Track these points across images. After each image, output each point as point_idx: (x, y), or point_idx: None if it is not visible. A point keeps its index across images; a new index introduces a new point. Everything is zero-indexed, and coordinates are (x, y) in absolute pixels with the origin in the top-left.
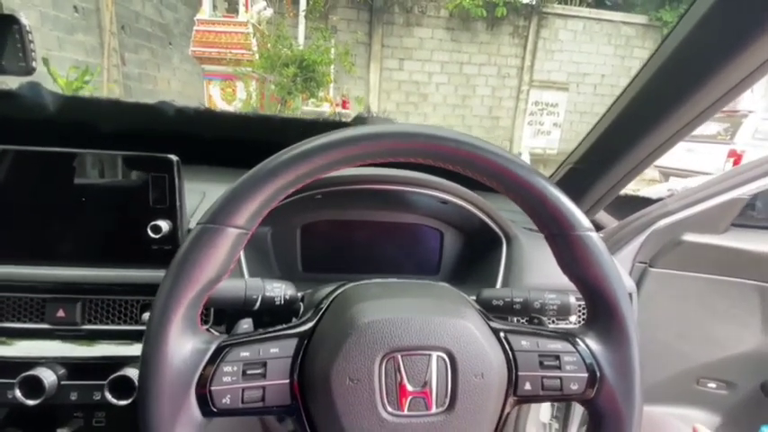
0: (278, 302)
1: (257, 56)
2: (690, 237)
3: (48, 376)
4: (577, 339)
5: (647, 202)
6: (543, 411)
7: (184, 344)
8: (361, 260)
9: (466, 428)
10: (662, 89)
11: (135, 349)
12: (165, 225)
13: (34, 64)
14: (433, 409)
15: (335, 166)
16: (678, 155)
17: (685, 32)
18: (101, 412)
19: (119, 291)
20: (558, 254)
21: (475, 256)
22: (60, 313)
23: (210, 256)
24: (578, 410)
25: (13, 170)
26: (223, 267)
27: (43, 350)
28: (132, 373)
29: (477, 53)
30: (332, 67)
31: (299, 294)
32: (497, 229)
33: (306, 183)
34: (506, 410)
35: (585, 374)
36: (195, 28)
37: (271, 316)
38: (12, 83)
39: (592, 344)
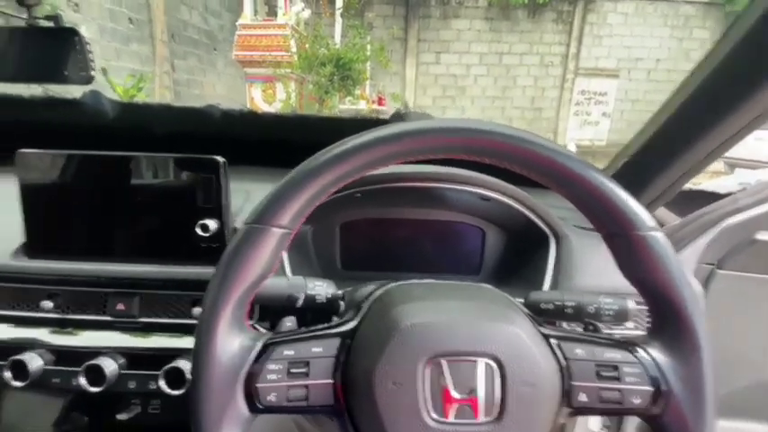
0: (319, 301)
1: (296, 57)
2: (765, 236)
3: (109, 365)
4: (639, 349)
5: (713, 197)
6: (593, 420)
7: (233, 340)
8: (400, 258)
9: None
10: (736, 70)
11: (186, 342)
12: (212, 224)
13: (93, 73)
14: (480, 418)
15: (378, 163)
16: (746, 143)
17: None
18: (156, 400)
19: (172, 286)
20: (618, 255)
21: (519, 256)
22: (120, 306)
23: (256, 255)
24: (633, 419)
25: (78, 174)
26: (268, 266)
27: (105, 341)
28: (184, 364)
29: (517, 42)
30: (368, 64)
31: (340, 293)
32: (545, 227)
33: (348, 181)
34: (559, 422)
35: (649, 388)
36: (237, 33)
37: (312, 314)
38: (75, 92)
39: (657, 354)
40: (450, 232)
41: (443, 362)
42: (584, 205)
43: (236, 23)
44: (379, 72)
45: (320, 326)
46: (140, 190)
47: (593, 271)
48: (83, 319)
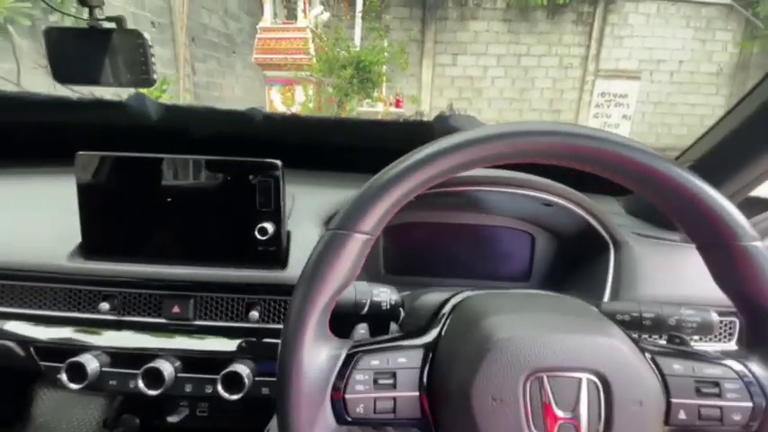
0: (384, 307)
1: (315, 60)
2: None
3: (167, 368)
4: (737, 363)
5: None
6: None
7: (319, 349)
8: (446, 263)
9: None
10: None
11: (242, 345)
12: (270, 227)
13: (155, 76)
14: None
15: (461, 168)
16: None
17: None
18: (204, 403)
19: (227, 289)
20: (715, 267)
21: (572, 263)
22: (175, 309)
23: (340, 261)
24: None
25: (135, 176)
26: (351, 273)
27: (160, 343)
28: (241, 368)
29: (536, 44)
30: (385, 66)
31: (401, 299)
32: (605, 234)
33: (430, 186)
34: None
35: (750, 404)
36: (258, 36)
37: (376, 320)
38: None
39: (757, 369)
40: (498, 237)
41: (545, 377)
42: (678, 213)
43: (257, 26)
44: (396, 74)
45: (398, 334)
46: (197, 193)
47: (659, 281)
48: (138, 321)
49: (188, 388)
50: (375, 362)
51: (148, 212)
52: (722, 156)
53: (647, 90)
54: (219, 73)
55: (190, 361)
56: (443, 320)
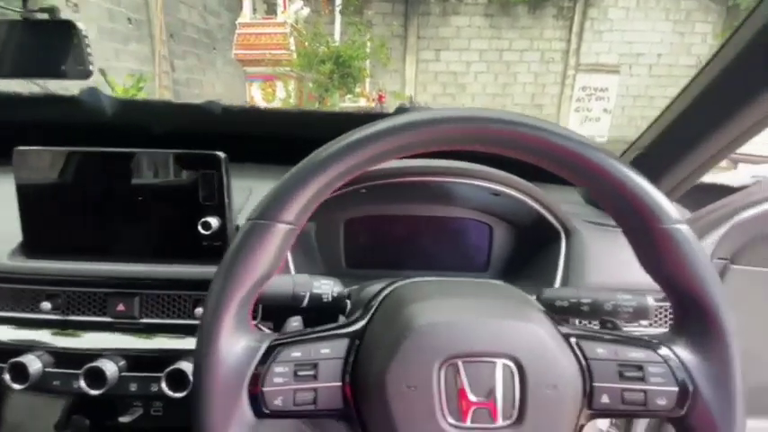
0: (326, 299)
1: (295, 55)
2: None
3: (110, 368)
4: (663, 347)
5: (725, 190)
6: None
7: (237, 342)
8: (406, 256)
9: None
10: (752, 62)
11: (188, 343)
12: (214, 222)
13: (92, 67)
14: (499, 422)
15: (386, 156)
16: (760, 140)
17: None
18: (158, 402)
19: (173, 286)
20: (640, 251)
21: (528, 252)
22: (120, 307)
23: (261, 252)
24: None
25: (76, 171)
26: (273, 264)
27: (105, 342)
28: (186, 366)
29: (517, 38)
30: (367, 61)
31: (346, 291)
32: (556, 223)
33: (356, 174)
34: (579, 425)
35: (675, 388)
36: (237, 31)
37: (318, 313)
38: (74, 89)
39: (682, 353)
40: (457, 229)
41: (460, 363)
42: (605, 198)
43: (236, 22)
44: (379, 70)
45: (327, 326)
46: (140, 187)
47: (606, 267)
48: (83, 320)
49: (133, 387)
50: (296, 353)
51: (90, 208)
52: (670, 142)
53: (627, 83)
54: (200, 70)
55: (136, 360)
56: (372, 309)
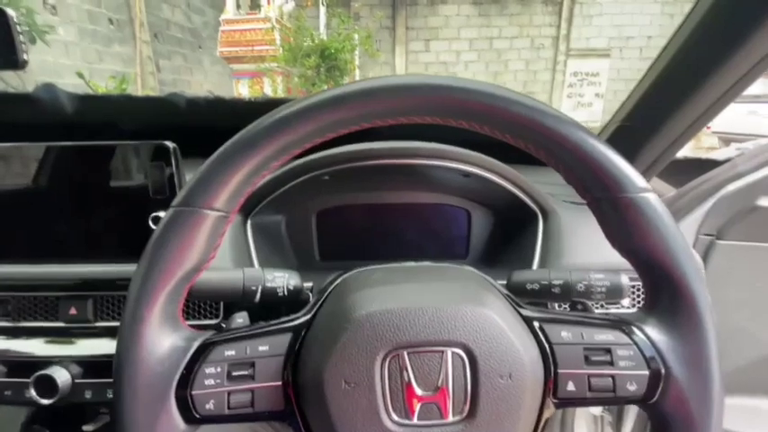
0: (281, 294)
1: (281, 50)
2: (767, 201)
3: (61, 375)
4: (633, 328)
5: (710, 164)
6: (594, 408)
7: (162, 342)
8: (382, 246)
9: None
10: (722, 26)
11: None
12: None
13: (25, 56)
14: (450, 417)
15: (322, 132)
16: (740, 118)
17: None
18: None
19: (127, 286)
20: (605, 223)
21: (507, 237)
22: (72, 311)
23: (186, 242)
24: (633, 407)
25: (15, 168)
26: (202, 255)
27: (58, 349)
28: None
29: (507, 26)
30: (356, 53)
31: (309, 285)
32: (531, 204)
33: (290, 154)
34: (544, 416)
35: (646, 372)
36: (221, 28)
37: (277, 310)
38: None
39: (653, 333)
40: (434, 216)
41: (405, 354)
42: (566, 168)
43: (220, 19)
44: (369, 62)
45: (271, 322)
46: (85, 183)
47: (585, 248)
48: (34, 326)
49: (88, 394)
50: (230, 352)
51: (35, 207)
52: (646, 114)
53: (618, 67)
54: (186, 69)
55: (92, 366)
56: (320, 302)
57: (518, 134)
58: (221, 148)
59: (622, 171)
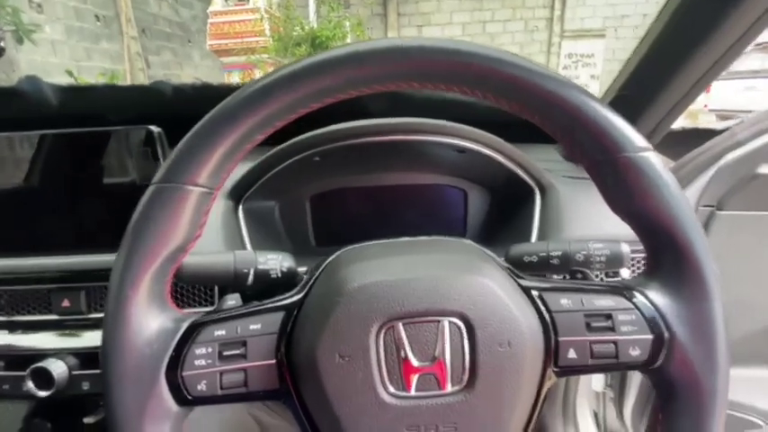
0: (274, 276)
1: (271, 40)
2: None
3: (57, 367)
4: (635, 293)
5: (709, 134)
6: (596, 380)
7: (149, 323)
8: (379, 229)
9: (492, 409)
10: None
11: None
12: None
13: (2, 44)
14: (448, 388)
15: (306, 102)
16: (737, 95)
17: None
18: None
19: None
20: (603, 186)
21: (505, 214)
22: (65, 303)
23: (169, 220)
24: (636, 376)
25: (2, 158)
26: (187, 233)
27: (53, 341)
28: None
29: (500, 9)
30: (347, 41)
31: (303, 267)
32: (528, 179)
33: (274, 127)
34: (546, 385)
35: (649, 336)
36: (210, 21)
37: (271, 294)
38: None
39: (656, 297)
40: (430, 197)
41: (400, 326)
42: (562, 132)
43: (207, 11)
44: None
45: (262, 301)
46: (72, 172)
47: (584, 222)
48: (29, 319)
49: (86, 386)
50: (221, 332)
51: (23, 198)
52: (643, 81)
53: (613, 47)
54: (176, 64)
55: (88, 357)
56: (313, 279)
57: (514, 97)
58: (201, 122)
59: (621, 131)
